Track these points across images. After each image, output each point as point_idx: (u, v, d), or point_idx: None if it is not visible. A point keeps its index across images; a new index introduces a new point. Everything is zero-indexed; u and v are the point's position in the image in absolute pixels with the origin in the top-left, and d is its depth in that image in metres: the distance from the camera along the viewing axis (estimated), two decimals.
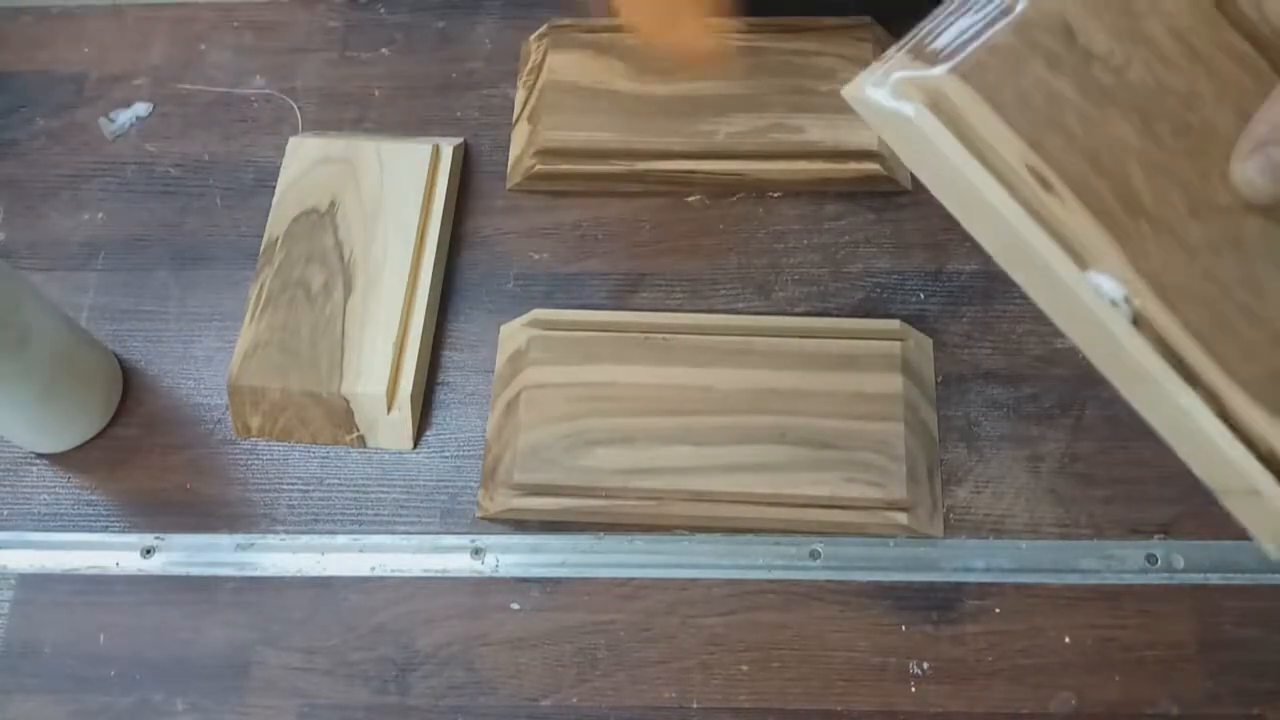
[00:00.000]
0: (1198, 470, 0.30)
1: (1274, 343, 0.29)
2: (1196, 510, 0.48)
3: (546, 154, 0.56)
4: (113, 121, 0.61)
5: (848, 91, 0.31)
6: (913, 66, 0.30)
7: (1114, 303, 0.28)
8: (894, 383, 0.49)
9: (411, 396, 0.51)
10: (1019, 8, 0.30)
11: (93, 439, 0.52)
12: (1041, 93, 0.29)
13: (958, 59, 0.29)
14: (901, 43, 0.32)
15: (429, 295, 0.53)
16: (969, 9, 0.31)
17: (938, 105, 0.29)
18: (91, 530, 0.51)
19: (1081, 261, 0.28)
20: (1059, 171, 0.28)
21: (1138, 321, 0.28)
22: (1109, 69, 0.29)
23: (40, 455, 0.52)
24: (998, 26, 0.30)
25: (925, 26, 0.32)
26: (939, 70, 0.29)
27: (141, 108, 0.61)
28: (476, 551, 0.49)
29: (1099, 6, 0.30)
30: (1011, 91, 0.29)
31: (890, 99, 0.29)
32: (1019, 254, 0.29)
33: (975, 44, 0.29)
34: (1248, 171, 0.29)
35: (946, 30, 0.31)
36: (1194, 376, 0.28)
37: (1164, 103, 0.29)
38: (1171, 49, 0.30)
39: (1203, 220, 0.29)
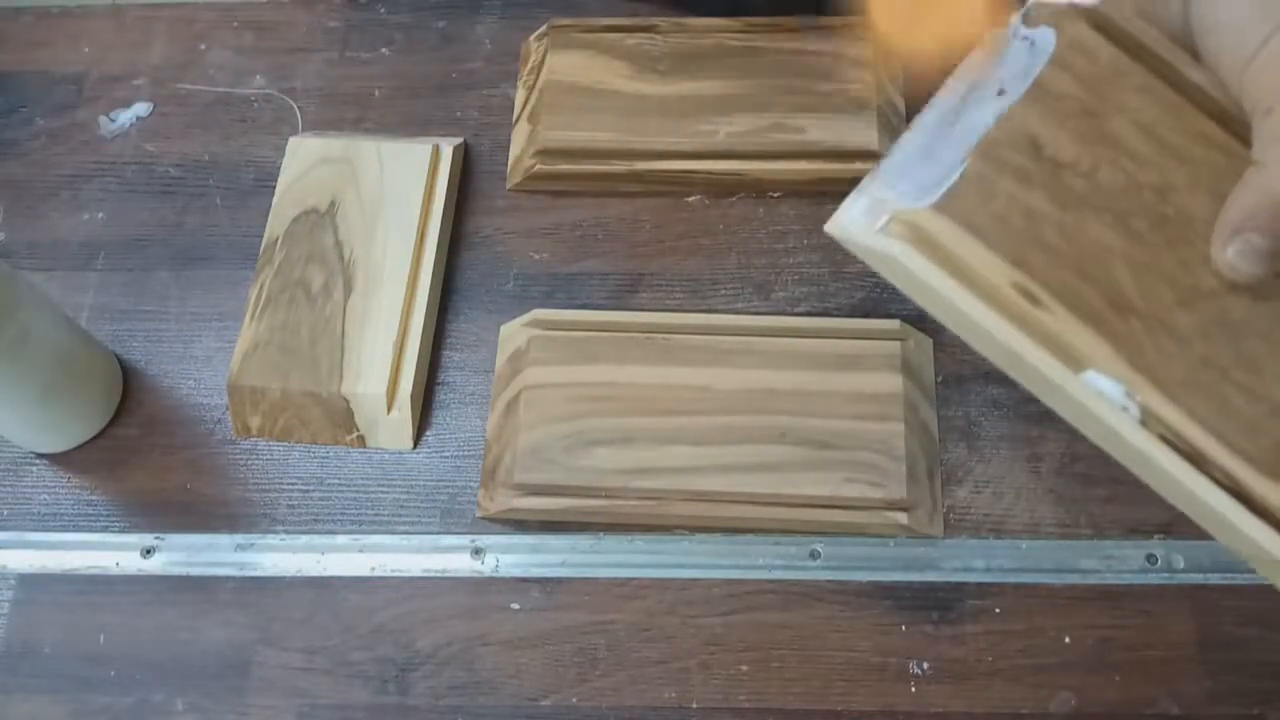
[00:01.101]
0: (1224, 541, 0.31)
1: (1276, 414, 0.29)
2: None
3: (546, 154, 0.56)
4: (113, 121, 0.61)
5: (831, 228, 0.32)
6: (884, 198, 0.31)
7: (1116, 403, 0.29)
8: (894, 383, 0.49)
9: (411, 396, 0.51)
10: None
11: (93, 439, 0.52)
12: (1017, 210, 0.30)
13: (932, 195, 0.30)
14: (873, 171, 0.32)
15: (429, 295, 0.53)
16: (924, 134, 0.32)
17: (920, 240, 0.29)
18: (91, 530, 0.51)
19: (1078, 366, 0.29)
20: (1044, 285, 0.29)
21: (1143, 419, 0.29)
22: (1079, 174, 0.30)
23: (40, 455, 0.52)
24: (961, 153, 0.30)
25: (889, 154, 0.32)
26: (917, 206, 0.30)
27: (141, 108, 0.61)
28: (476, 551, 0.49)
29: (1061, 115, 0.30)
30: (988, 215, 0.30)
31: (873, 239, 0.30)
32: (1019, 367, 0.30)
33: (946, 178, 0.30)
34: (1229, 257, 0.29)
35: (908, 159, 0.32)
36: (1204, 462, 0.29)
37: (1138, 198, 0.30)
38: (1139, 144, 0.30)
39: (1191, 308, 0.29)
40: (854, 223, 0.31)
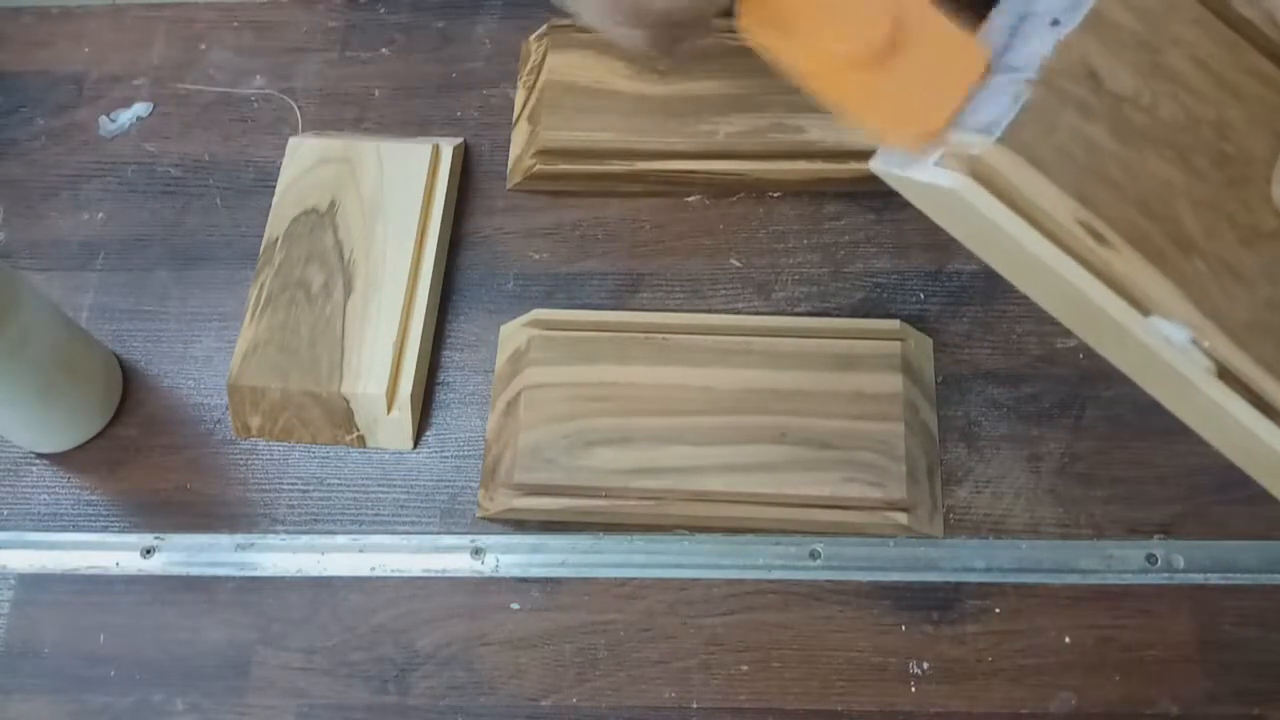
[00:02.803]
0: None
1: None
2: (1196, 510, 0.48)
3: (546, 154, 0.56)
4: (113, 121, 0.61)
5: (876, 165, 0.31)
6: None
7: (1182, 347, 0.28)
8: (894, 383, 0.49)
9: (411, 396, 0.51)
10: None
11: (93, 439, 0.52)
12: (1079, 144, 0.29)
13: (994, 126, 0.28)
14: None
15: (429, 295, 0.53)
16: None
17: (981, 175, 0.28)
18: (91, 530, 0.51)
19: (1144, 309, 0.28)
20: (1109, 222, 0.28)
21: (1211, 365, 0.28)
22: (1139, 108, 0.29)
23: (40, 455, 0.52)
24: (1020, 84, 0.29)
25: None
26: (978, 139, 0.28)
27: (141, 108, 0.61)
28: (476, 551, 0.49)
29: (1119, 47, 0.29)
30: (1050, 148, 0.28)
31: (930, 173, 0.29)
32: (1080, 310, 0.29)
33: (1006, 108, 0.29)
34: None
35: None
36: (1273, 410, 0.28)
37: (1198, 135, 0.29)
38: (1197, 79, 0.29)
39: (1254, 249, 0.29)
40: (902, 158, 0.30)
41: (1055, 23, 0.30)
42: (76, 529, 0.51)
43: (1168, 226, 0.28)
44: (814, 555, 0.48)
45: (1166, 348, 0.28)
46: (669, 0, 0.33)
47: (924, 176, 0.29)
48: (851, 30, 0.34)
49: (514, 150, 0.58)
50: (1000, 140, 0.29)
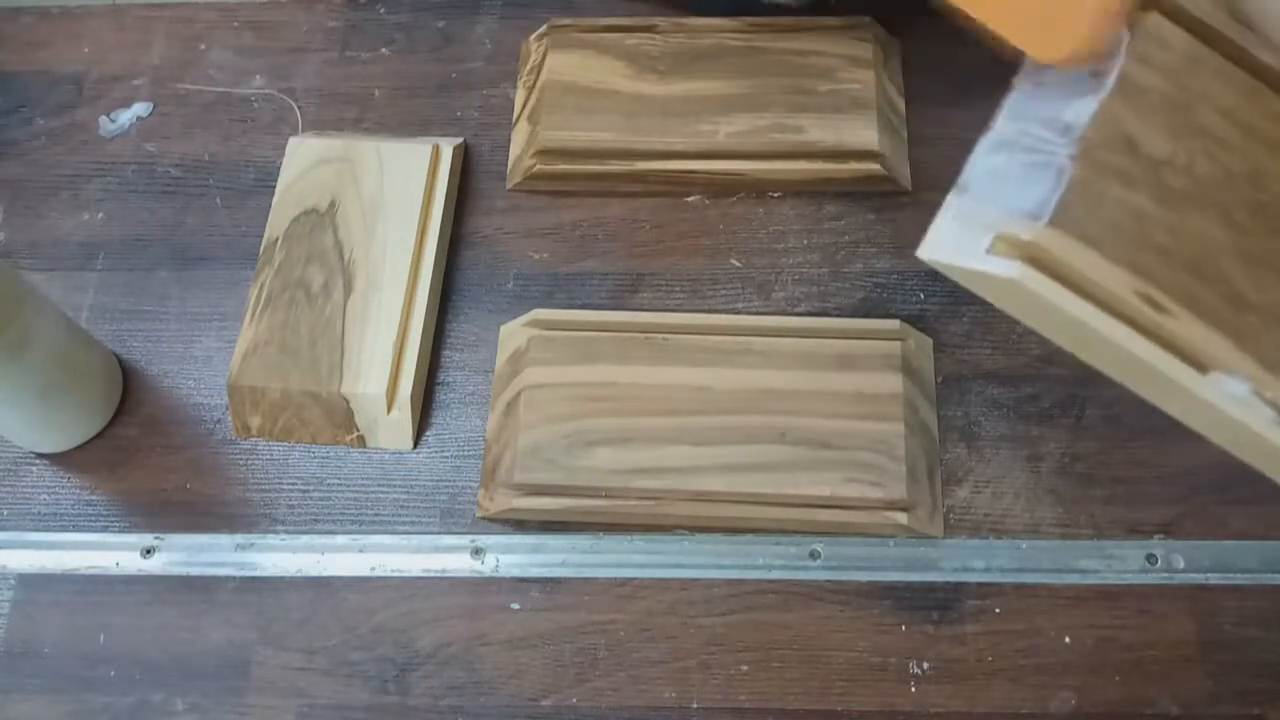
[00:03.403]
0: None
1: None
2: (1196, 510, 0.48)
3: (546, 154, 0.56)
4: (113, 121, 0.61)
5: (925, 253, 0.31)
6: (982, 216, 0.29)
7: (1244, 400, 0.28)
8: (894, 383, 0.49)
9: (411, 396, 0.51)
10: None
11: (93, 439, 0.52)
12: (1126, 214, 0.29)
13: (1044, 209, 0.28)
14: (957, 187, 0.31)
15: (429, 295, 0.53)
16: (1007, 147, 0.31)
17: (1037, 260, 0.28)
18: (91, 530, 0.51)
19: (1203, 368, 0.28)
20: (1164, 289, 0.28)
21: (1273, 412, 0.28)
22: (1177, 170, 0.29)
23: (40, 455, 0.52)
24: (1061, 161, 0.29)
25: (971, 167, 0.31)
26: (1028, 224, 0.28)
27: (141, 108, 0.61)
28: (476, 551, 0.49)
29: (1150, 110, 0.30)
30: (1100, 223, 0.29)
31: (985, 262, 0.29)
32: (1141, 372, 0.29)
33: (1052, 188, 0.29)
34: None
35: (995, 174, 0.30)
36: None
37: (1235, 188, 0.29)
38: (1227, 132, 0.30)
39: None
40: (954, 245, 0.30)
41: (1086, 90, 0.30)
42: (76, 529, 0.51)
43: (1218, 285, 0.29)
44: (814, 555, 0.48)
45: (1230, 403, 0.28)
46: None
47: (979, 266, 0.29)
48: None
49: (514, 150, 0.58)
50: (1051, 223, 0.29)
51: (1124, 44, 0.30)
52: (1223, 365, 0.28)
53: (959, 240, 0.30)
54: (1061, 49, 0.33)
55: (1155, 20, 0.30)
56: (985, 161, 0.31)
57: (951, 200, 0.31)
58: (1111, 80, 0.30)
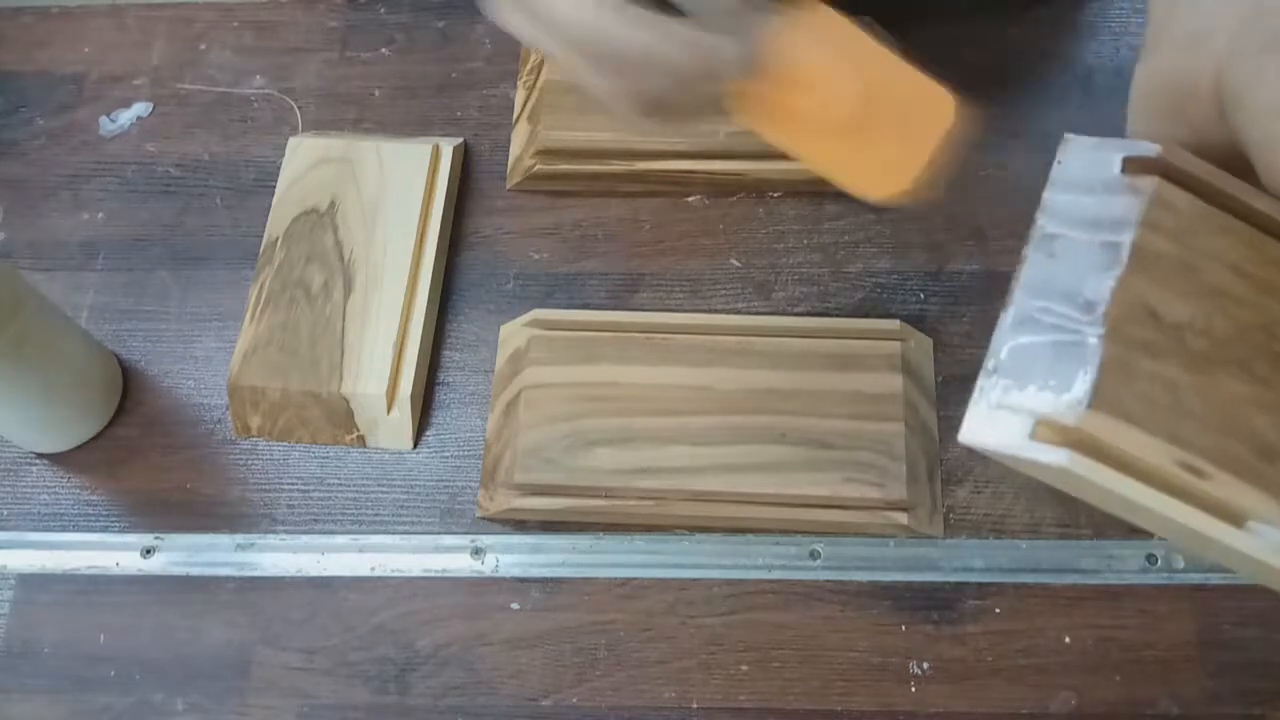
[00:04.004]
0: None
1: None
2: None
3: (546, 154, 0.56)
4: (113, 121, 0.61)
5: (968, 438, 0.31)
6: (1019, 402, 0.30)
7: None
8: (894, 383, 0.49)
9: (411, 396, 0.51)
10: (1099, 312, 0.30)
11: (93, 439, 0.52)
12: (1159, 386, 0.29)
13: (1082, 393, 0.29)
14: (986, 368, 0.32)
15: (429, 295, 0.53)
16: (1031, 325, 0.31)
17: (1081, 445, 0.29)
18: (91, 530, 0.51)
19: (1239, 522, 0.29)
20: (1203, 454, 0.29)
21: None
22: (1197, 333, 0.30)
23: (40, 455, 0.52)
24: (1091, 341, 0.30)
25: (998, 348, 0.32)
26: (1071, 410, 0.29)
27: (141, 108, 0.61)
28: (476, 551, 0.49)
29: (1165, 276, 0.30)
30: (1136, 399, 0.29)
31: (1030, 449, 0.30)
32: (1189, 536, 0.30)
33: (1086, 370, 0.29)
34: None
35: (1024, 355, 0.31)
36: None
37: (1253, 342, 0.30)
38: (1238, 288, 0.30)
39: None
40: (996, 432, 0.31)
41: (1101, 259, 0.31)
42: (76, 529, 0.51)
43: (1249, 441, 0.29)
44: (814, 555, 0.48)
45: (1270, 553, 0.29)
46: (665, 94, 0.35)
47: (1026, 454, 0.30)
48: (826, 99, 0.37)
49: (514, 150, 0.58)
50: (1091, 406, 0.29)
51: (1138, 211, 0.30)
52: (1259, 515, 0.29)
53: (999, 427, 0.31)
54: (888, 190, 0.37)
55: (1160, 186, 0.31)
56: (1011, 341, 0.32)
57: (983, 383, 0.32)
58: (1126, 252, 0.30)
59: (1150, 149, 0.31)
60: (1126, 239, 0.30)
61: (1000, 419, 0.31)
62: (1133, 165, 0.31)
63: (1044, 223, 0.32)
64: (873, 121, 0.37)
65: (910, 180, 0.36)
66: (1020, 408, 0.30)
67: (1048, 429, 0.30)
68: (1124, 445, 0.29)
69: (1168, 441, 0.29)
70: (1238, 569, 0.32)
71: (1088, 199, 0.32)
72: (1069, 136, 0.33)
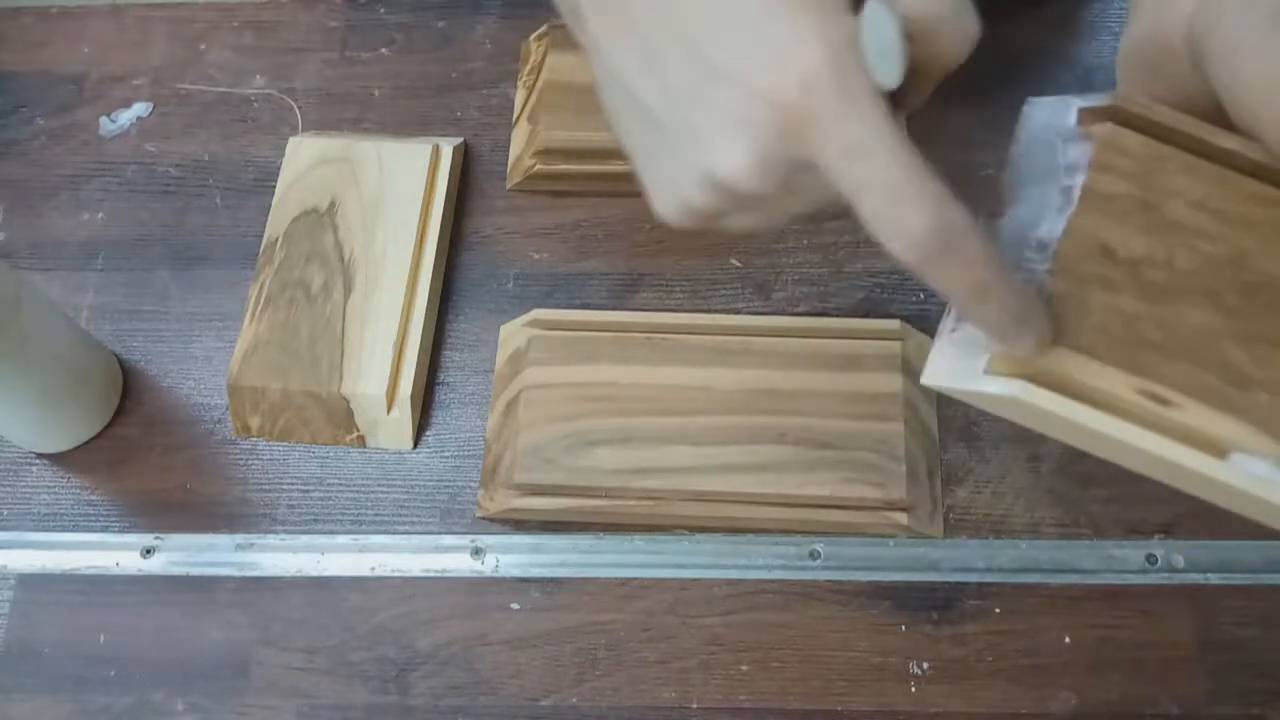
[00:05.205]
0: None
1: None
2: (1196, 510, 0.48)
3: (546, 154, 0.56)
4: (113, 121, 0.61)
5: (928, 380, 0.32)
6: (976, 339, 0.30)
7: (1268, 478, 0.29)
8: (894, 383, 0.49)
9: (411, 396, 0.51)
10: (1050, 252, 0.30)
11: (93, 439, 0.52)
12: (1114, 318, 0.30)
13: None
14: (947, 315, 0.32)
15: (429, 295, 0.53)
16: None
17: (1036, 376, 0.29)
18: (91, 530, 0.51)
19: (1220, 453, 0.29)
20: (1165, 382, 0.29)
21: None
22: (1157, 266, 0.30)
23: (40, 455, 0.52)
24: (1043, 278, 0.30)
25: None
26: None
27: (141, 108, 0.61)
28: (476, 551, 0.49)
29: (1120, 214, 0.30)
30: (1090, 331, 0.29)
31: (983, 383, 0.30)
32: (1160, 465, 0.30)
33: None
34: None
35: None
36: None
37: (1221, 274, 0.30)
38: (1202, 222, 0.30)
39: None
40: (953, 370, 0.31)
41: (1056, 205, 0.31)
42: (76, 529, 0.51)
43: (1220, 369, 0.29)
44: (814, 555, 0.48)
45: (1253, 483, 0.29)
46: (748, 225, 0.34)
47: (979, 387, 0.30)
48: None
49: (514, 150, 0.58)
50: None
51: (1086, 159, 0.31)
52: (1240, 446, 0.29)
53: (956, 364, 0.31)
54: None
55: (1111, 130, 0.31)
56: None
57: (942, 327, 0.32)
58: (1077, 194, 0.30)
59: (1102, 98, 0.31)
60: (1078, 181, 0.31)
61: (957, 357, 0.31)
62: (1088, 116, 0.31)
63: (1009, 178, 0.33)
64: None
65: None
66: (976, 344, 0.31)
67: (1001, 363, 0.30)
68: (1080, 375, 0.29)
69: (1126, 370, 0.29)
70: (1219, 501, 0.32)
71: (1048, 151, 0.32)
72: (1031, 100, 0.33)
